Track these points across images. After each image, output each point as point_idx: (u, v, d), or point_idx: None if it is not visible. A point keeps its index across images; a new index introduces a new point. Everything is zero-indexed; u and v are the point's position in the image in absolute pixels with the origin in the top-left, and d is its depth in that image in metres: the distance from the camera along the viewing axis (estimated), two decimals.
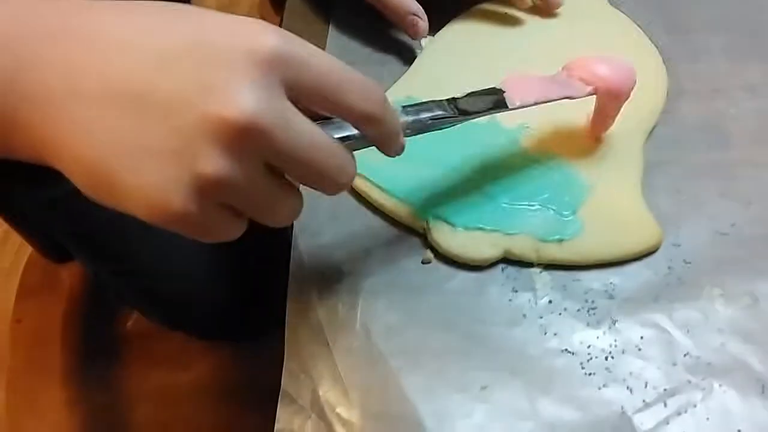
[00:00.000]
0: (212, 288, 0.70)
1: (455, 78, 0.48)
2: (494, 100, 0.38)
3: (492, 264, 0.41)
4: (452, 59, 0.50)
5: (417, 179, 0.43)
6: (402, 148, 0.34)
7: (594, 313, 0.39)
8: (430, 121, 0.35)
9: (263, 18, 0.89)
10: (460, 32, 0.52)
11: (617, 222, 0.41)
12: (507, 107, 0.38)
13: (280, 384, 0.37)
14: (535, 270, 0.41)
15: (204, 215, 0.27)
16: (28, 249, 0.91)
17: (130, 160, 0.27)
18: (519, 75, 0.40)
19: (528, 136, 0.45)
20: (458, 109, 0.37)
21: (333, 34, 0.54)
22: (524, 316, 0.39)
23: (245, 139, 0.26)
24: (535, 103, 0.39)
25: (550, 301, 0.40)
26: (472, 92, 0.38)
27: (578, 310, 0.39)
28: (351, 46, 0.53)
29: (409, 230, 0.43)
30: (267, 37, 0.27)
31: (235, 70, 0.26)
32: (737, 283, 0.40)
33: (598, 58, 0.42)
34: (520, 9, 0.52)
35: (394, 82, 0.50)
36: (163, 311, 0.77)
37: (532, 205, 0.42)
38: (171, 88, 0.27)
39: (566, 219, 0.41)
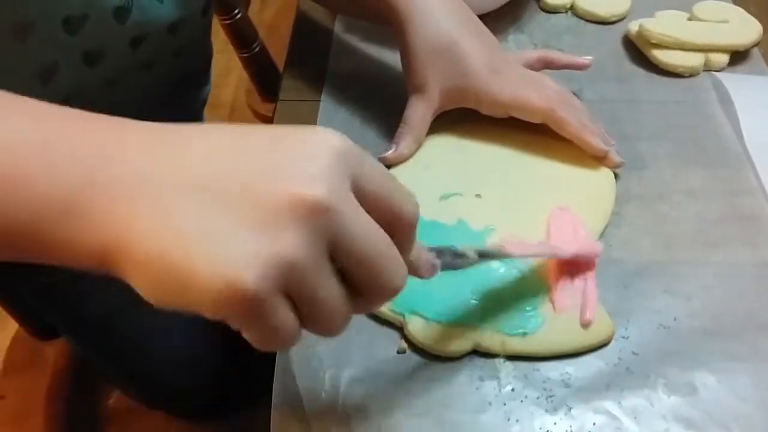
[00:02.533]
0: (194, 373, 0.73)
1: (426, 185, 0.54)
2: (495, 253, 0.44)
3: (461, 355, 0.45)
4: (425, 167, 0.56)
5: None
6: (431, 268, 0.37)
7: (552, 401, 0.43)
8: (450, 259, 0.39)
9: (251, 107, 0.95)
10: (432, 142, 0.57)
11: (574, 317, 0.46)
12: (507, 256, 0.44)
13: None
14: (500, 360, 0.45)
15: (271, 301, 0.27)
16: (14, 326, 0.93)
17: (207, 242, 0.27)
18: (514, 239, 0.46)
19: (493, 237, 0.50)
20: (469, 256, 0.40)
21: None
22: (489, 403, 0.43)
23: (320, 218, 0.28)
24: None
25: (512, 390, 0.44)
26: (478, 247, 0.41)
27: (537, 397, 0.43)
28: None
29: (386, 323, 0.47)
30: (338, 136, 0.30)
31: (313, 157, 0.29)
32: (679, 373, 0.44)
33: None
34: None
35: None
36: (145, 392, 0.80)
37: (499, 301, 0.46)
38: (252, 170, 0.28)
39: (529, 314, 0.46)
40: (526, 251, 0.46)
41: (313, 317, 0.30)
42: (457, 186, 0.53)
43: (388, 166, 0.56)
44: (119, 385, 0.86)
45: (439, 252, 0.38)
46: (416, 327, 0.45)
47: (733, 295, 0.48)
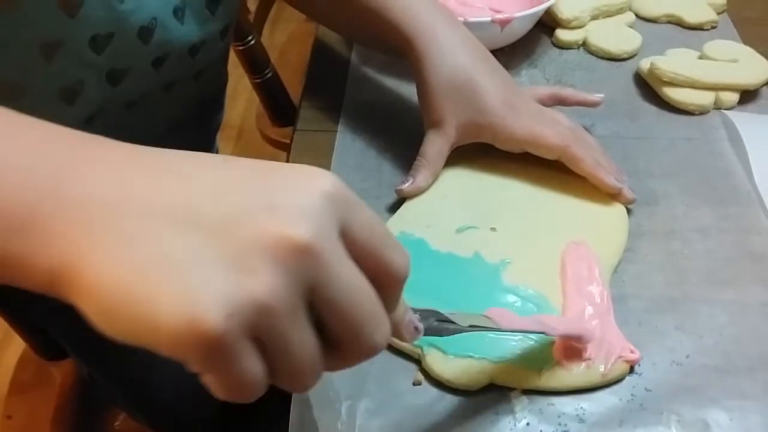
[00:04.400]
0: (201, 401, 0.73)
1: (442, 217, 0.55)
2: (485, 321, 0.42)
3: (477, 388, 0.46)
4: (441, 199, 0.57)
5: None
6: (414, 332, 0.34)
7: None
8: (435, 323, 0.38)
9: (261, 131, 0.96)
10: (448, 175, 0.58)
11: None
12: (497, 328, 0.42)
13: None
14: (515, 394, 0.46)
15: (236, 345, 0.25)
16: (21, 346, 0.93)
17: (172, 272, 0.25)
18: (500, 310, 0.45)
19: (508, 271, 0.51)
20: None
21: (335, 169, 0.61)
22: None
23: (301, 261, 0.26)
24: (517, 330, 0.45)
25: (527, 424, 0.44)
26: (464, 315, 0.41)
27: None
28: (351, 179, 0.60)
29: (402, 353, 0.48)
30: (327, 175, 0.28)
31: (298, 196, 0.27)
32: (691, 410, 0.45)
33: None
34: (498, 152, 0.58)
35: (389, 214, 0.56)
36: (150, 417, 0.80)
37: (515, 335, 0.47)
38: (235, 204, 0.26)
39: (545, 349, 0.46)
40: (514, 325, 0.44)
41: (282, 369, 0.27)
42: (473, 219, 0.54)
43: (404, 199, 0.57)
44: (125, 408, 0.86)
45: (424, 314, 0.37)
46: (434, 360, 0.46)
47: (744, 333, 0.49)
